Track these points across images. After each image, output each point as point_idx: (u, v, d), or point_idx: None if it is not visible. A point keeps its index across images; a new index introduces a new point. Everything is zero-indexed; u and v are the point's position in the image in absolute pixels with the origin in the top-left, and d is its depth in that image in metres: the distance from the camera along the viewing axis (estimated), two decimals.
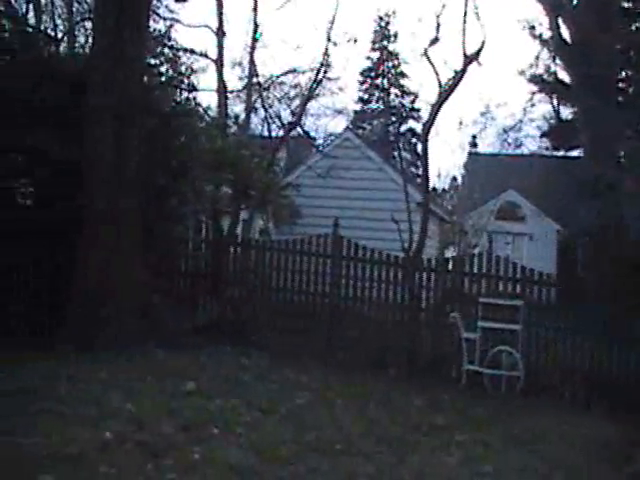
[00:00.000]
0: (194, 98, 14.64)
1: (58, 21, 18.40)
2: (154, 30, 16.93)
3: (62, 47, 15.21)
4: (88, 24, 16.63)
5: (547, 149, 34.84)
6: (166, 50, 17.42)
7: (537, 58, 29.60)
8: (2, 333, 9.00)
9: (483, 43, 15.08)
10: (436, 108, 15.20)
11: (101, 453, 5.54)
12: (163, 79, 13.04)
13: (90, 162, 9.81)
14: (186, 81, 13.88)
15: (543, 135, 33.99)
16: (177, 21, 19.72)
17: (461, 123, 28.60)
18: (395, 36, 44.46)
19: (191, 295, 12.16)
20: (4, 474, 4.93)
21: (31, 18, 17.27)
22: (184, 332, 10.41)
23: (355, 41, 19.90)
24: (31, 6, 17.71)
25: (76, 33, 17.30)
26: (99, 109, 9.86)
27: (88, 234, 9.74)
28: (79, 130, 9.84)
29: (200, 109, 15.72)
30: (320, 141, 22.12)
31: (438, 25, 15.66)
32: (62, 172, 9.63)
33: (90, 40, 12.87)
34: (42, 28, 16.53)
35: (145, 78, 11.08)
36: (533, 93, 30.47)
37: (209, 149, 13.63)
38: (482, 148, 33.18)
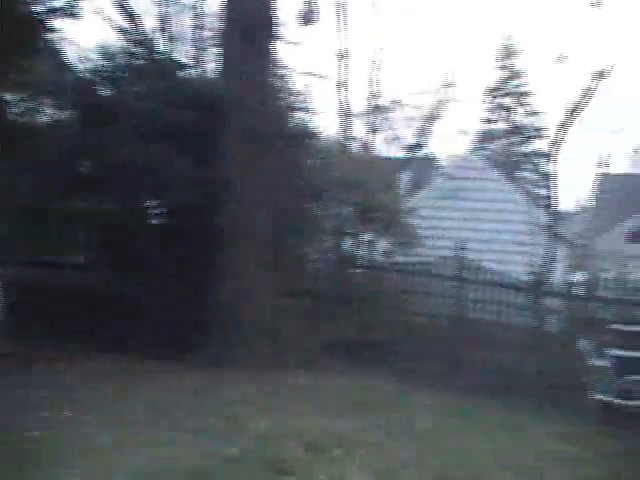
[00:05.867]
0: (310, 120, 14.78)
1: (188, 48, 19.02)
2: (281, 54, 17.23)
3: (192, 73, 15.65)
4: (216, 50, 17.15)
5: None
6: (287, 73, 17.70)
7: None
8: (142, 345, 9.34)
9: (613, 60, 14.59)
10: (564, 128, 14.78)
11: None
12: (289, 102, 13.23)
13: (222, 182, 10.10)
14: (308, 103, 14.01)
15: None
16: (300, 44, 19.96)
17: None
18: (519, 54, 43.50)
19: (315, 314, 12.24)
20: None
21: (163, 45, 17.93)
22: (312, 352, 10.46)
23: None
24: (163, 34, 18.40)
25: (205, 59, 17.82)
26: (229, 132, 10.15)
27: (219, 253, 10.00)
28: (211, 153, 10.15)
29: (321, 131, 15.83)
30: (443, 162, 21.88)
31: (564, 41, 15.27)
32: (194, 193, 9.93)
33: (219, 66, 13.25)
34: (173, 55, 17.13)
35: (270, 101, 11.30)
36: None
37: (333, 170, 13.71)
38: (614, 169, 32.04)
